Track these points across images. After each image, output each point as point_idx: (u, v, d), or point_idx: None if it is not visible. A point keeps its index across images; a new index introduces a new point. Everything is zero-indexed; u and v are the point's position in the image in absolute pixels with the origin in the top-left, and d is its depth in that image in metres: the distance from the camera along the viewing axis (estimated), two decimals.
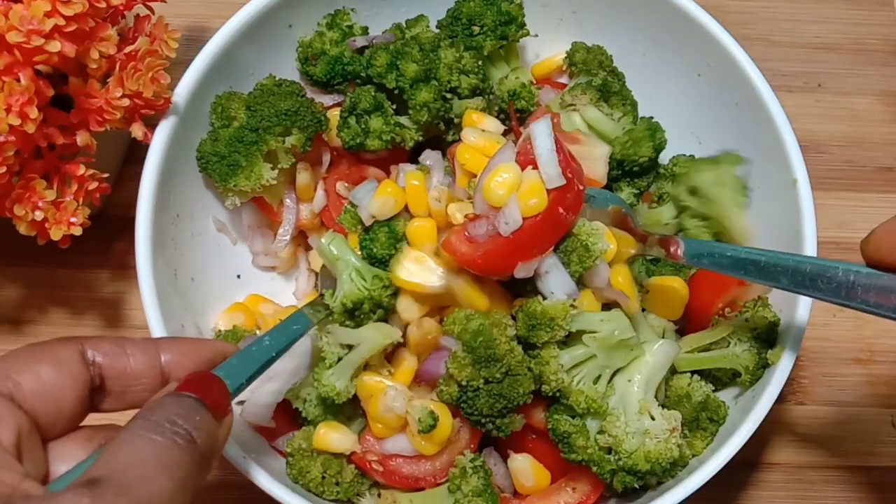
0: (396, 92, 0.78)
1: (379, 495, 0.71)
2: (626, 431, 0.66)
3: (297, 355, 0.69)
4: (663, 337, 0.74)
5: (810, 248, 0.72)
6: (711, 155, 0.79)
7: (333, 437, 0.70)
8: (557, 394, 0.67)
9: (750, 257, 0.64)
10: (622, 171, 0.79)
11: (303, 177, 0.80)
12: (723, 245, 0.72)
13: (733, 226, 0.77)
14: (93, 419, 0.52)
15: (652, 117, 0.80)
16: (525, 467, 0.71)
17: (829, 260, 0.61)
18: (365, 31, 0.83)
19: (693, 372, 0.73)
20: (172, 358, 0.53)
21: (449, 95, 0.78)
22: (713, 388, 0.73)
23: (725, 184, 0.77)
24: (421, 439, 0.68)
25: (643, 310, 0.75)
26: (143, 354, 0.52)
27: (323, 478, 0.69)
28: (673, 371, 0.74)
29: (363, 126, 0.77)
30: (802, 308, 0.71)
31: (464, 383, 0.65)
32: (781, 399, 0.70)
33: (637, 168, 0.79)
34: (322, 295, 0.71)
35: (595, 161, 0.76)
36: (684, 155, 0.81)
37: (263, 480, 0.65)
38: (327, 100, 0.82)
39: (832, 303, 0.61)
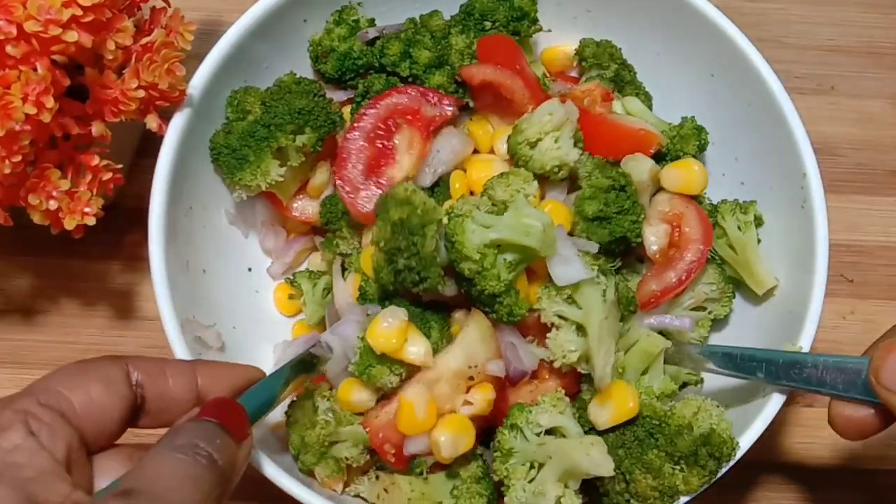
0: (410, 80, 0.78)
1: (377, 478, 0.71)
2: (521, 491, 0.65)
3: None
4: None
5: (822, 250, 0.72)
6: (738, 200, 0.80)
7: (354, 393, 0.69)
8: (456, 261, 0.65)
9: (727, 353, 0.70)
10: (663, 160, 0.81)
11: (320, 177, 0.80)
12: (700, 346, 0.76)
13: (754, 271, 0.77)
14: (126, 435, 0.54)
15: (694, 117, 0.82)
16: None
17: (798, 353, 0.67)
18: (372, 23, 0.83)
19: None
20: (206, 382, 0.56)
21: (461, 79, 0.79)
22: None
23: (748, 230, 0.78)
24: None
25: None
26: (182, 377, 0.55)
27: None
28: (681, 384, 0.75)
29: None
30: (813, 310, 0.71)
31: (383, 246, 0.66)
32: (790, 401, 0.70)
33: None
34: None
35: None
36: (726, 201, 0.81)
37: (276, 474, 0.66)
38: (341, 95, 0.82)
39: (808, 391, 0.65)
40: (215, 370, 0.57)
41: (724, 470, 0.66)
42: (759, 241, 0.79)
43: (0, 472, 0.44)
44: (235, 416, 0.53)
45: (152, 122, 0.71)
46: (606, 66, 0.84)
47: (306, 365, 0.67)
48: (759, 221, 0.79)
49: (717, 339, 0.80)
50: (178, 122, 0.73)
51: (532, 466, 0.66)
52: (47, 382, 0.50)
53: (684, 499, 0.66)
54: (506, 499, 0.66)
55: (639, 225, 0.73)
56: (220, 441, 0.50)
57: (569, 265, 0.66)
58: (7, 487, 0.43)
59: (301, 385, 0.66)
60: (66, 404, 0.49)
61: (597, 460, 0.63)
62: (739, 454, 0.67)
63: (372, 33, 0.81)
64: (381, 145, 0.76)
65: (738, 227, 0.78)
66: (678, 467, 0.66)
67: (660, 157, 0.80)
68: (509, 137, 0.74)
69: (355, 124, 0.76)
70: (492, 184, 0.69)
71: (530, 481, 0.66)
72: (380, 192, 0.74)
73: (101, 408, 0.50)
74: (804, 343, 0.70)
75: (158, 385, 0.54)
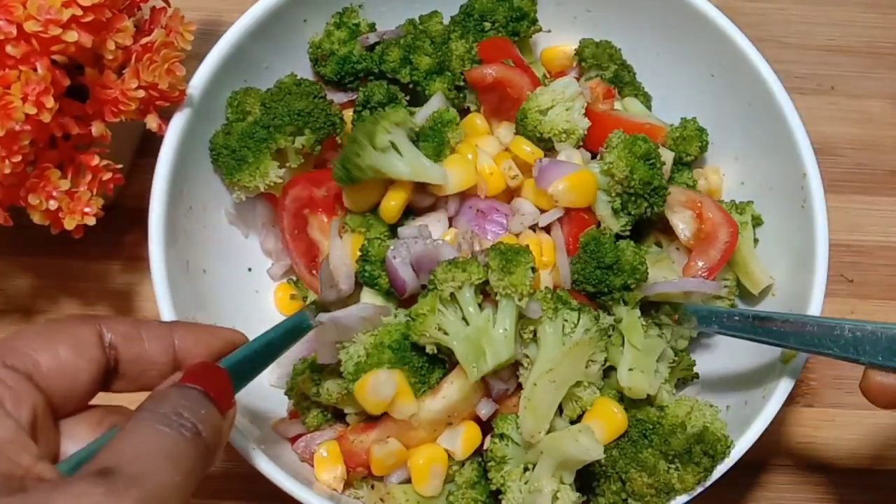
0: (410, 86, 0.78)
1: (372, 487, 0.71)
2: (518, 492, 0.66)
3: None
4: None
5: (822, 250, 0.72)
6: (734, 200, 0.81)
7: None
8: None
9: (759, 317, 0.66)
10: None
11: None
12: (729, 309, 0.74)
13: (749, 270, 0.78)
14: (101, 398, 0.52)
15: (695, 118, 0.82)
16: None
17: (835, 319, 0.62)
18: (372, 27, 0.83)
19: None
20: (185, 345, 0.53)
21: (462, 84, 0.80)
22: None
23: (745, 230, 0.78)
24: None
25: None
26: (158, 341, 0.52)
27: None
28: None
29: None
30: (813, 310, 0.71)
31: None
32: (790, 401, 0.70)
33: (682, 165, 0.81)
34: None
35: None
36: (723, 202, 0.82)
37: (271, 470, 0.66)
38: (342, 97, 0.82)
39: (842, 360, 0.61)
40: (194, 332, 0.54)
41: (720, 468, 0.67)
42: (756, 240, 0.79)
43: None
44: (219, 383, 0.50)
45: (152, 122, 0.71)
46: (606, 67, 0.84)
47: (296, 333, 0.65)
48: (757, 221, 0.79)
49: (715, 338, 0.80)
50: (178, 122, 0.73)
51: (526, 468, 0.67)
52: (13, 343, 0.47)
53: (682, 498, 0.66)
54: (503, 503, 0.67)
55: (665, 194, 0.73)
56: (204, 411, 0.47)
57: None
58: None
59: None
60: (33, 366, 0.47)
61: (586, 445, 0.63)
62: (739, 454, 0.67)
63: (372, 38, 0.81)
64: (306, 239, 0.78)
65: None
66: (673, 465, 0.66)
67: None
68: (520, 108, 0.76)
69: (282, 227, 0.78)
70: (495, 257, 0.65)
71: (526, 482, 0.66)
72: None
73: (69, 370, 0.48)
74: None
75: (133, 347, 0.51)
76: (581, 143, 0.76)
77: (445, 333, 0.66)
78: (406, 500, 0.69)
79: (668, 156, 0.78)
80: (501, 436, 0.67)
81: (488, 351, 0.65)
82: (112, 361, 0.51)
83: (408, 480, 0.71)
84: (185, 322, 0.54)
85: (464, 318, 0.66)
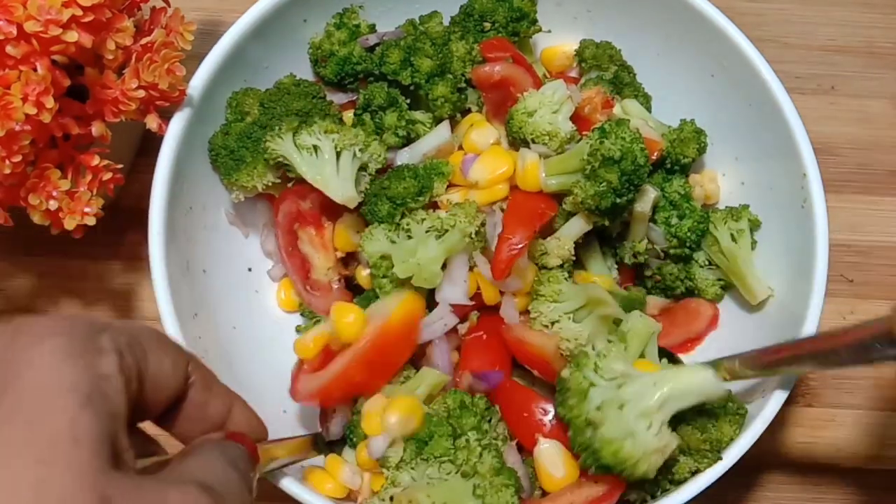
0: (411, 88, 0.78)
1: (392, 499, 0.65)
2: (619, 427, 0.63)
3: None
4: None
5: (822, 250, 0.72)
6: (730, 206, 0.81)
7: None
8: None
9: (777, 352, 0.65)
10: (662, 166, 0.81)
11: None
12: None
13: (748, 282, 0.77)
14: None
15: (693, 120, 0.82)
16: (554, 454, 0.68)
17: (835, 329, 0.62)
18: (372, 28, 0.83)
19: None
20: (237, 416, 0.53)
21: (463, 86, 0.80)
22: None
23: (742, 238, 0.78)
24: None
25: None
26: (222, 400, 0.52)
27: None
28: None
29: (377, 122, 0.77)
30: (814, 312, 0.71)
31: None
32: (790, 401, 0.70)
33: (677, 167, 0.81)
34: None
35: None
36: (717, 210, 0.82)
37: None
38: (342, 98, 0.82)
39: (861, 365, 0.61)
40: (248, 410, 0.55)
41: (720, 468, 0.67)
42: (755, 242, 0.79)
43: (91, 395, 0.40)
44: (255, 454, 0.52)
45: (152, 122, 0.71)
46: (606, 68, 0.84)
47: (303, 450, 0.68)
48: (755, 224, 0.79)
49: (715, 337, 0.80)
50: (178, 121, 0.73)
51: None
52: (134, 330, 0.46)
53: (721, 465, 0.67)
54: (602, 430, 0.63)
55: (635, 191, 0.73)
56: (252, 474, 0.50)
57: (454, 287, 0.71)
58: (94, 416, 0.39)
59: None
60: (144, 365, 0.45)
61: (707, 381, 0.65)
62: (740, 454, 0.67)
63: (372, 40, 0.81)
64: (299, 255, 0.78)
65: (732, 237, 0.78)
66: (711, 422, 0.67)
67: (660, 163, 0.80)
68: (509, 110, 0.77)
69: (279, 245, 0.79)
70: (454, 209, 0.71)
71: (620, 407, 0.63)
72: (318, 293, 0.78)
73: (162, 384, 0.47)
74: None
75: (201, 397, 0.51)
76: (564, 148, 0.75)
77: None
78: (431, 501, 0.63)
79: (650, 194, 0.77)
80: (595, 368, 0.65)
81: (421, 247, 0.70)
82: (183, 396, 0.50)
83: (428, 481, 0.66)
84: (242, 399, 0.55)
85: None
